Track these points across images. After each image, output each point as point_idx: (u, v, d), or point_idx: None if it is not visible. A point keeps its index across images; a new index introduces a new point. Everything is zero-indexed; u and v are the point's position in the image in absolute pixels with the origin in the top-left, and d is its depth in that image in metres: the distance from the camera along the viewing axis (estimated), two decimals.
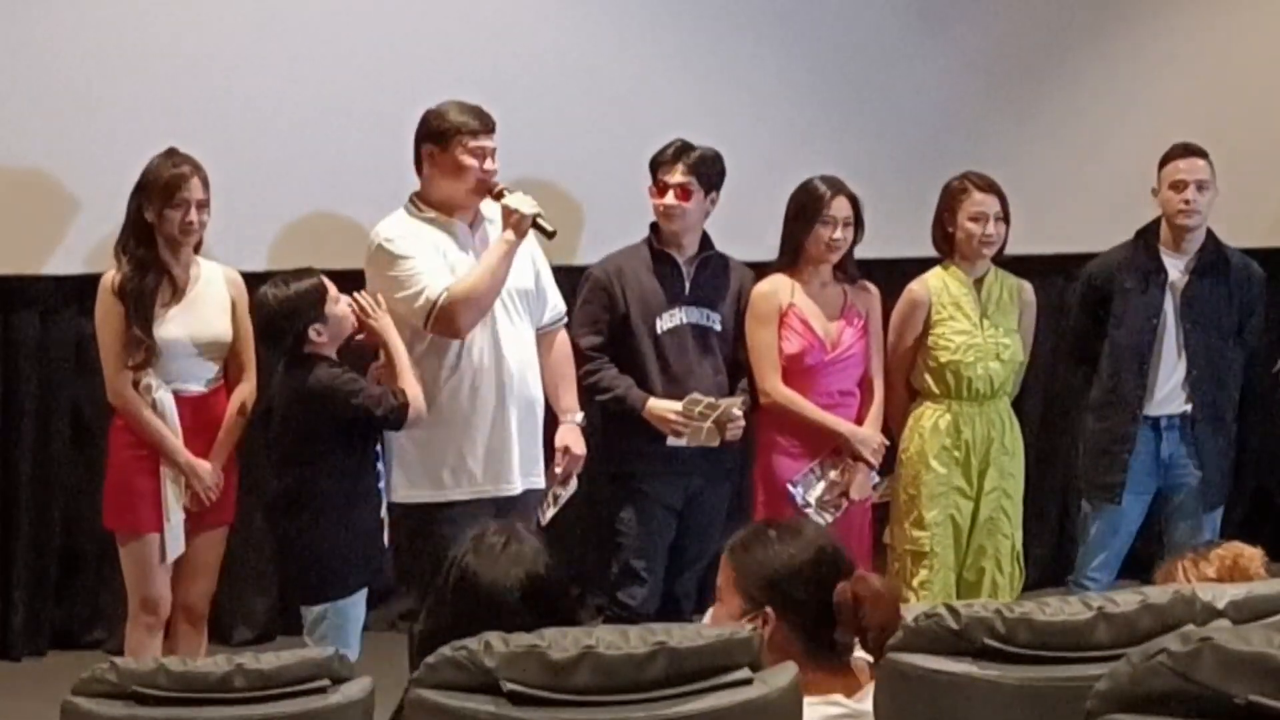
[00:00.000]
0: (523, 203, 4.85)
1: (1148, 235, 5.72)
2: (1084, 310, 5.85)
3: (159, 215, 4.83)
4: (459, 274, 4.83)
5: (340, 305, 4.78)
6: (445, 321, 4.78)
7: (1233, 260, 5.76)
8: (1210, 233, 5.72)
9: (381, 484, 4.82)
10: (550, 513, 5.15)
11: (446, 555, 4.77)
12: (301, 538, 4.71)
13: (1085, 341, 5.84)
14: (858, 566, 3.14)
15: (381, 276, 4.84)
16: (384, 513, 4.81)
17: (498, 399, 4.89)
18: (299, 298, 4.71)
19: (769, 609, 3.04)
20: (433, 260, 4.82)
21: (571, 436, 5.14)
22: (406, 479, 4.88)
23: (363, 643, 4.83)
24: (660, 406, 5.20)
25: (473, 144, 4.85)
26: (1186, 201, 5.59)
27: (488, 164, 4.87)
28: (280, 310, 4.71)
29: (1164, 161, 5.67)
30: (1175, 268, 5.67)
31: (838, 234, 5.32)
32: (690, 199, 5.26)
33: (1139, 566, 5.84)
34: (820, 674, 2.98)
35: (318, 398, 4.67)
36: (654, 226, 5.35)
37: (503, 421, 4.90)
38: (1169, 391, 5.68)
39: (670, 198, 5.25)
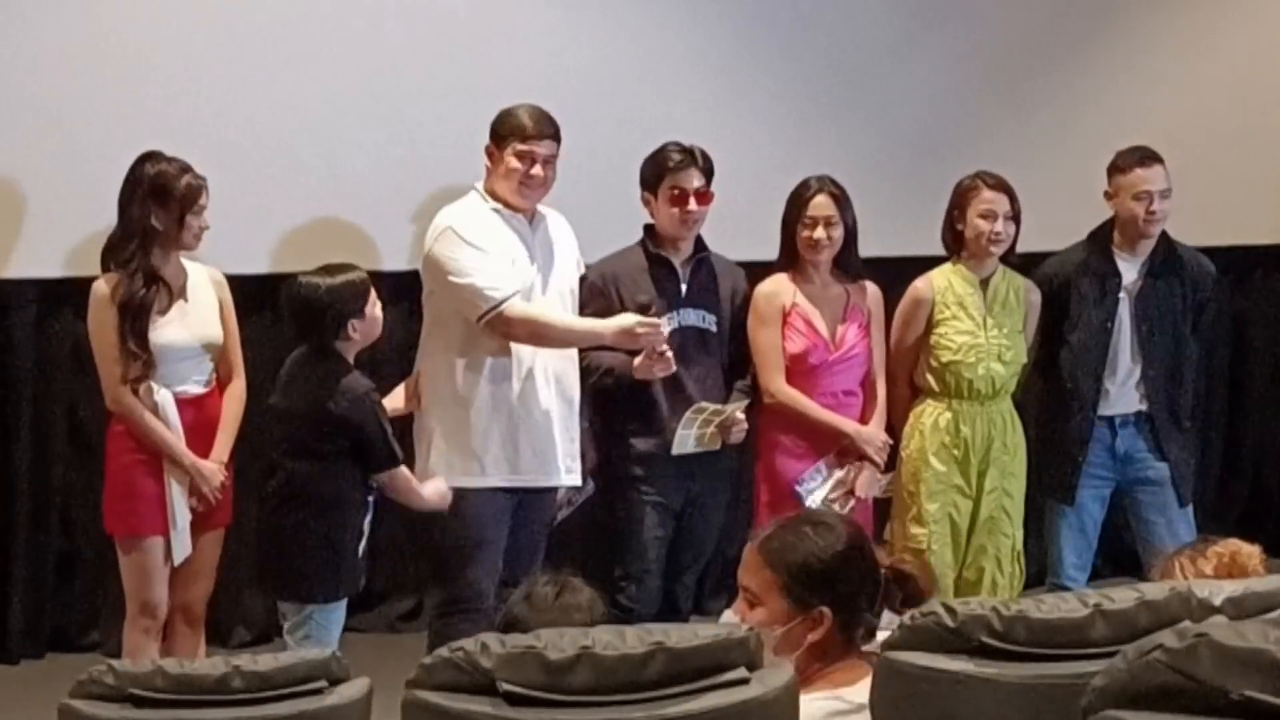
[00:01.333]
0: (661, 345, 5.05)
1: (1101, 237, 5.67)
2: (1044, 311, 5.78)
3: (179, 222, 4.82)
4: (519, 267, 4.98)
5: (376, 309, 4.79)
6: (499, 327, 4.94)
7: (1185, 258, 5.73)
8: (1163, 232, 5.68)
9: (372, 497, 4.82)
10: (564, 513, 5.26)
11: (467, 538, 4.86)
12: (296, 534, 4.68)
13: (1046, 338, 5.72)
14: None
15: (444, 257, 4.96)
16: (366, 526, 4.78)
17: (545, 393, 5.04)
18: (350, 287, 4.71)
19: (824, 609, 3.03)
20: (503, 261, 4.98)
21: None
22: (445, 462, 4.99)
23: (358, 645, 4.83)
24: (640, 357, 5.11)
25: (520, 147, 5.01)
26: (1152, 212, 5.55)
27: (535, 169, 5.01)
28: (331, 297, 4.69)
29: (1122, 169, 5.58)
30: (1130, 270, 5.63)
31: (819, 233, 5.31)
32: (711, 201, 5.26)
33: (1130, 564, 5.84)
34: (849, 661, 3.03)
35: (355, 415, 4.66)
36: (648, 229, 5.34)
37: (547, 415, 5.05)
38: (1125, 392, 5.64)
39: (693, 204, 5.24)
